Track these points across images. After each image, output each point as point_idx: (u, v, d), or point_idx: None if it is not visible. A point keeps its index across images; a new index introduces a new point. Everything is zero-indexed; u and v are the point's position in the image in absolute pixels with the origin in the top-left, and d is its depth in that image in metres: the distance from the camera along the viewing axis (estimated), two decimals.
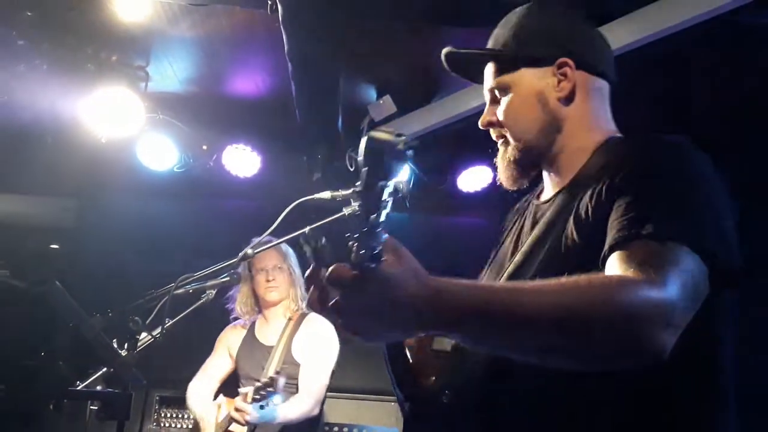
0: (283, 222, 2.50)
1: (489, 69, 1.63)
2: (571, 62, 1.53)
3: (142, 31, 3.91)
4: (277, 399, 3.34)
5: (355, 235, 1.02)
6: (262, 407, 3.27)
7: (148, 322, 2.50)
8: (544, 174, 1.62)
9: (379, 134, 1.00)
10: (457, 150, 4.97)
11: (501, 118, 1.58)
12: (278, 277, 3.71)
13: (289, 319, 3.72)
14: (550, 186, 1.60)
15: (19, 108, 4.16)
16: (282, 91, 4.22)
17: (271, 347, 3.66)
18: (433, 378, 1.43)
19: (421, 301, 1.04)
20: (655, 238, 1.18)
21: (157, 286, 2.69)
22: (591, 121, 1.55)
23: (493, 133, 1.63)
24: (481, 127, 1.65)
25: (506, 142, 1.59)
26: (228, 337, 3.84)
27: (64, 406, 2.58)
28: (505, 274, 1.47)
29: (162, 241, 5.24)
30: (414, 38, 3.93)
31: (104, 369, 2.74)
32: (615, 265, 1.19)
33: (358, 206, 1.01)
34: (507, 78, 1.57)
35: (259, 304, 3.80)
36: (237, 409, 3.32)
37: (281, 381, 3.32)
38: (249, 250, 2.63)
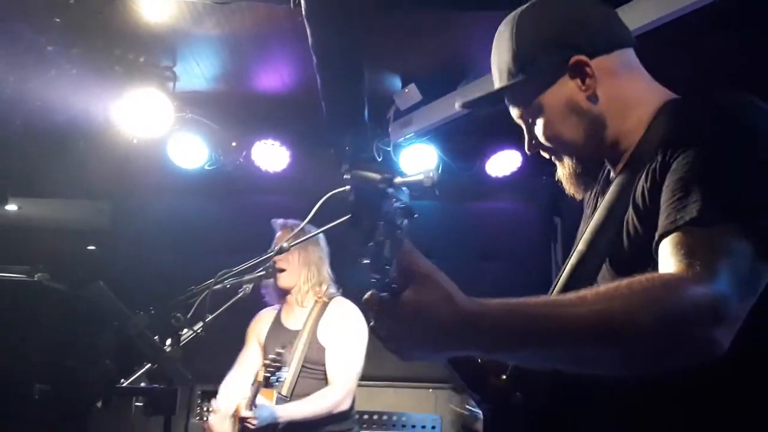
0: (315, 214, 2.52)
1: (508, 103, 1.58)
2: (583, 58, 1.44)
3: (167, 32, 3.95)
4: (284, 373, 3.33)
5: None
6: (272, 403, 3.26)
7: (188, 317, 2.54)
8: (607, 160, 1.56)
9: (362, 175, 1.06)
10: (484, 135, 4.96)
11: (543, 141, 1.52)
12: (285, 260, 3.57)
13: (315, 302, 3.65)
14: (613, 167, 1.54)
15: (52, 113, 4.23)
16: (307, 84, 4.24)
17: (297, 332, 3.60)
18: (504, 377, 1.39)
19: (455, 327, 1.04)
20: (702, 224, 1.12)
21: (192, 283, 2.73)
22: (634, 97, 1.46)
23: (545, 154, 1.57)
24: (529, 153, 1.59)
25: (560, 159, 1.54)
26: (256, 327, 3.83)
27: (110, 403, 2.64)
28: (572, 259, 1.41)
29: (195, 238, 5.31)
30: (438, 26, 3.93)
31: (147, 365, 2.80)
32: (664, 257, 1.14)
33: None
34: (529, 104, 1.51)
35: (282, 293, 3.74)
36: (241, 419, 3.27)
37: (286, 355, 3.31)
38: (284, 244, 2.66)
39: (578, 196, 1.58)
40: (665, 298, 1.05)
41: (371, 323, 1.10)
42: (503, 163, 5.08)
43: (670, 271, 1.10)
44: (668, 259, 1.12)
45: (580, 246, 1.40)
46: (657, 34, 3.20)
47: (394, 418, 4.83)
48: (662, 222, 1.17)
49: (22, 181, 5.06)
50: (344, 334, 3.53)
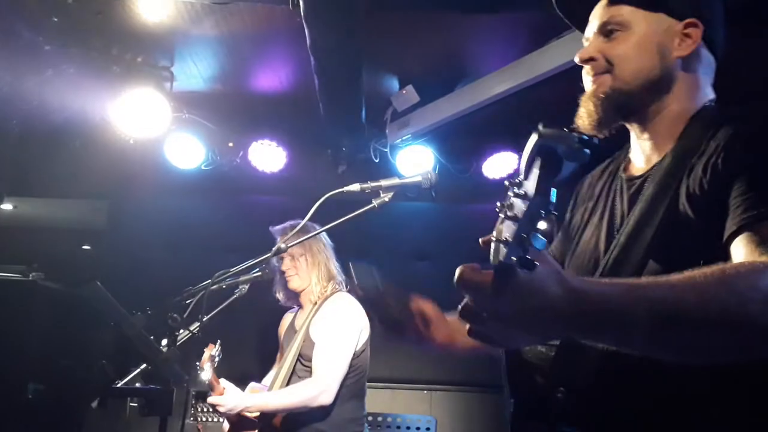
0: (313, 215, 2.52)
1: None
2: (701, 25, 1.45)
3: (165, 32, 3.95)
4: (204, 374, 3.33)
5: (505, 237, 0.95)
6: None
7: (185, 318, 2.54)
8: (634, 141, 1.54)
9: (553, 132, 0.95)
10: (481, 137, 4.96)
11: (611, 54, 1.47)
12: (292, 266, 3.58)
13: (318, 299, 3.61)
14: (641, 155, 1.52)
15: (49, 112, 4.22)
16: (305, 85, 4.24)
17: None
18: (546, 373, 1.36)
19: (565, 305, 1.00)
20: None
21: (188, 283, 2.73)
22: (698, 90, 1.48)
23: (590, 70, 1.51)
24: (578, 62, 1.52)
25: (601, 79, 1.48)
26: (281, 327, 3.83)
27: (105, 404, 2.64)
28: (611, 258, 1.38)
29: (191, 238, 5.31)
30: (435, 27, 3.93)
31: (143, 366, 2.80)
32: (744, 248, 1.17)
33: (522, 210, 0.94)
34: (629, 14, 1.47)
35: (294, 296, 3.71)
36: (211, 405, 3.30)
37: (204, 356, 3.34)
38: (282, 245, 2.65)
39: (585, 128, 1.49)
40: (762, 281, 1.06)
41: (460, 308, 1.02)
42: (500, 165, 5.08)
43: (760, 260, 1.12)
44: (751, 248, 1.15)
45: (622, 238, 1.37)
46: None
47: (389, 419, 4.83)
48: (739, 214, 1.19)
49: (18, 180, 5.05)
50: (331, 328, 3.46)
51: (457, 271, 1.00)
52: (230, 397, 3.29)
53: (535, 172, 0.94)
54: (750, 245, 1.16)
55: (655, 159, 1.46)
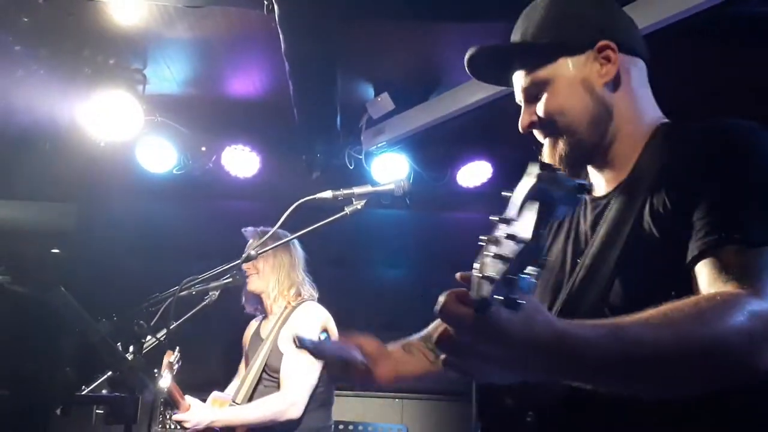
0: (285, 222, 2.50)
1: (520, 66, 1.51)
2: (612, 44, 1.44)
3: (138, 34, 3.91)
4: (163, 382, 3.21)
5: (490, 274, 0.92)
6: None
7: (152, 324, 2.50)
8: (592, 169, 1.53)
9: (552, 176, 0.95)
10: (455, 146, 4.97)
11: (544, 114, 1.46)
12: (253, 266, 3.50)
13: (284, 308, 3.55)
14: (602, 180, 1.51)
15: (18, 113, 4.15)
16: (280, 90, 4.22)
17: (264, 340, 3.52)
18: (516, 396, 1.35)
19: (547, 348, 0.99)
20: (748, 244, 1.17)
21: (158, 288, 2.69)
22: (639, 105, 1.48)
23: (539, 134, 1.51)
24: (521, 132, 1.52)
25: (554, 140, 1.48)
26: (245, 336, 3.76)
27: (70, 411, 2.59)
28: (577, 280, 1.38)
29: (162, 243, 5.25)
30: (411, 35, 3.94)
31: (109, 373, 2.75)
32: (707, 275, 1.18)
33: (514, 250, 0.92)
34: (544, 72, 1.46)
35: (257, 300, 3.66)
36: (176, 422, 3.22)
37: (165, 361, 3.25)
38: (252, 252, 2.62)
39: None
40: (734, 316, 1.07)
41: (439, 336, 1.00)
42: (474, 173, 5.10)
43: (729, 290, 1.13)
44: (715, 274, 1.16)
45: (588, 260, 1.38)
46: None
47: (360, 427, 4.81)
48: (702, 237, 1.20)
49: None
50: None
51: (441, 300, 0.98)
52: (196, 413, 3.23)
53: (531, 216, 0.93)
54: (713, 272, 1.17)
55: (618, 180, 1.46)
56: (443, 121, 4.39)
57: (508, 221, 0.96)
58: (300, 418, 3.30)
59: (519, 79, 1.51)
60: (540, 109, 1.47)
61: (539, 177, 0.96)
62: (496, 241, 0.95)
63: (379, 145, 4.77)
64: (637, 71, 1.49)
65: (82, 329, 2.25)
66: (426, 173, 5.02)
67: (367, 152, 4.86)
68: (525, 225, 0.93)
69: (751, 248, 1.17)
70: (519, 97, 1.54)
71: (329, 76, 3.91)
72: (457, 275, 1.02)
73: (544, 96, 1.46)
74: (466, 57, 1.53)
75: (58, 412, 2.53)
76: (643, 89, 1.50)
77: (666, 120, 1.49)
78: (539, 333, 0.98)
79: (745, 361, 1.08)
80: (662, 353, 1.06)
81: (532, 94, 1.49)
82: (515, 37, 1.52)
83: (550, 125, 1.48)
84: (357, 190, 2.49)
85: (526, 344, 0.98)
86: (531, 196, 0.95)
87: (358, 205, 2.47)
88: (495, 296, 0.92)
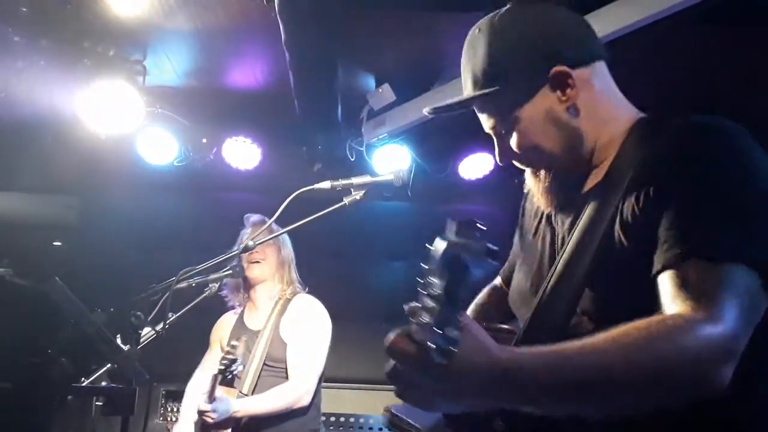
0: (283, 212, 2.48)
1: (480, 111, 1.51)
2: (566, 68, 1.40)
3: (138, 25, 3.88)
4: (237, 366, 3.25)
5: (425, 320, 0.97)
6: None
7: (151, 317, 2.49)
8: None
9: (459, 242, 0.96)
10: (457, 138, 4.95)
11: (519, 151, 1.46)
12: (262, 252, 3.52)
13: (278, 300, 3.58)
14: (587, 178, 1.48)
15: (18, 105, 4.14)
16: (280, 81, 4.20)
17: (259, 331, 3.52)
18: None
19: (491, 380, 1.03)
20: (708, 258, 1.15)
21: (159, 280, 2.68)
22: (609, 110, 1.45)
23: (519, 165, 1.52)
24: (502, 165, 1.54)
25: (536, 172, 1.50)
26: (219, 329, 3.76)
27: (69, 403, 2.58)
28: (550, 284, 1.39)
29: (164, 235, 5.25)
30: (412, 26, 3.91)
31: (108, 365, 2.74)
32: (669, 289, 1.16)
33: (435, 308, 0.96)
34: (505, 114, 1.45)
35: (248, 288, 3.67)
36: (200, 412, 3.20)
37: (240, 347, 3.25)
38: (250, 242, 2.60)
39: (548, 210, 1.52)
40: (684, 341, 1.08)
41: (389, 369, 1.03)
42: (476, 165, 5.08)
43: (680, 311, 1.13)
44: (674, 292, 1.15)
45: (560, 267, 1.38)
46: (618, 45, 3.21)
47: (351, 419, 4.82)
48: (664, 251, 1.19)
49: None
50: (306, 329, 3.46)
51: (389, 337, 1.01)
52: (220, 405, 3.21)
53: (441, 284, 0.96)
54: (674, 287, 1.16)
55: (596, 179, 1.44)
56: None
57: (433, 272, 0.99)
58: (308, 406, 3.38)
59: (484, 121, 1.52)
60: (514, 145, 1.46)
61: (449, 242, 0.98)
62: (429, 285, 0.98)
63: (380, 136, 4.74)
64: (599, 77, 1.45)
65: (76, 320, 2.24)
66: (428, 165, 5.00)
67: (368, 144, 4.84)
68: (442, 286, 0.96)
69: (714, 265, 1.14)
70: (491, 132, 1.53)
71: (330, 67, 3.89)
72: (406, 308, 1.04)
73: (514, 135, 1.45)
74: (427, 113, 1.57)
75: (56, 403, 2.52)
76: (608, 92, 1.48)
77: (642, 115, 1.47)
78: (482, 366, 1.01)
79: (694, 384, 1.09)
80: (610, 379, 1.07)
81: (500, 132, 1.49)
82: (467, 79, 1.50)
83: (527, 159, 1.49)
84: (355, 180, 2.47)
85: (471, 379, 1.01)
86: (443, 262, 0.97)
87: (357, 195, 2.45)
88: (429, 342, 0.95)
